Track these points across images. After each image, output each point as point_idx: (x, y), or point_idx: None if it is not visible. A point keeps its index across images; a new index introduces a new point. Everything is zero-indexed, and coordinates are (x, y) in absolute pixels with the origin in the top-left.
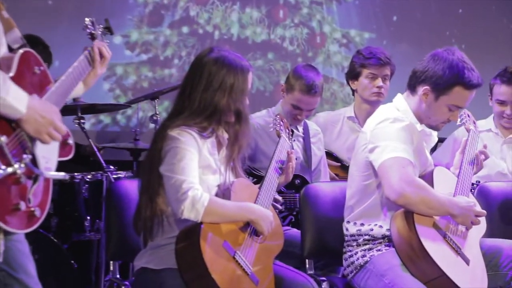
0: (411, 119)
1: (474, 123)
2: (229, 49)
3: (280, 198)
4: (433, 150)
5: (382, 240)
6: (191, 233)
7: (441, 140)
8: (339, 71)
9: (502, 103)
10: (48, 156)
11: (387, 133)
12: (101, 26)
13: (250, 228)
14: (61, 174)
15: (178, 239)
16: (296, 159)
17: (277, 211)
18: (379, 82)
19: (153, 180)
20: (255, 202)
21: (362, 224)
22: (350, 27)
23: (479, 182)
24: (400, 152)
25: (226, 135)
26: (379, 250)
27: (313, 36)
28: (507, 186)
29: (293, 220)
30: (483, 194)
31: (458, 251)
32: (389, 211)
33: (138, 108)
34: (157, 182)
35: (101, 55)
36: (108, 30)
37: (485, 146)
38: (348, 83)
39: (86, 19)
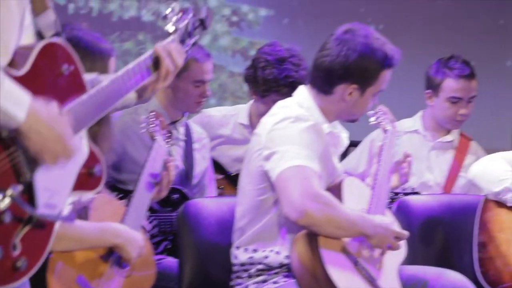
0: (317, 119)
1: (392, 122)
2: (85, 28)
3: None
4: (343, 156)
5: (279, 269)
6: None
7: (353, 144)
8: (228, 56)
9: (457, 101)
10: (54, 188)
11: (287, 136)
12: (190, 17)
13: (113, 256)
14: (65, 216)
15: None
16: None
17: (148, 235)
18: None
19: None
20: (121, 223)
21: (255, 250)
22: (242, 1)
23: (403, 192)
24: (303, 160)
25: None
26: (275, 282)
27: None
28: (432, 201)
29: (169, 246)
30: (403, 211)
31: (372, 281)
32: (288, 234)
33: None
34: None
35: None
36: (202, 24)
37: (407, 155)
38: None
39: (173, 5)
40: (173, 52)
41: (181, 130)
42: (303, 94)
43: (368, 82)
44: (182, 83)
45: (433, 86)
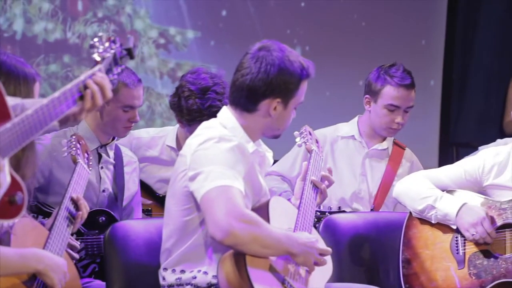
0: (241, 138)
1: (317, 142)
2: (9, 52)
3: (77, 244)
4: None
5: None
6: None
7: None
8: (156, 78)
9: (394, 109)
10: None
11: (211, 156)
12: (117, 47)
13: (37, 282)
14: None
15: None
16: (103, 191)
17: (74, 261)
18: None
19: None
20: (43, 248)
21: (182, 271)
22: (169, 23)
23: (329, 211)
24: (227, 180)
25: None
26: None
27: (122, 34)
28: (358, 219)
29: (97, 269)
30: (329, 229)
31: None
32: (215, 254)
33: None
34: None
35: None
36: (129, 54)
37: (329, 170)
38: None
39: (101, 34)
40: (105, 84)
41: (111, 153)
42: (226, 114)
43: (291, 94)
44: (111, 108)
45: (372, 92)
